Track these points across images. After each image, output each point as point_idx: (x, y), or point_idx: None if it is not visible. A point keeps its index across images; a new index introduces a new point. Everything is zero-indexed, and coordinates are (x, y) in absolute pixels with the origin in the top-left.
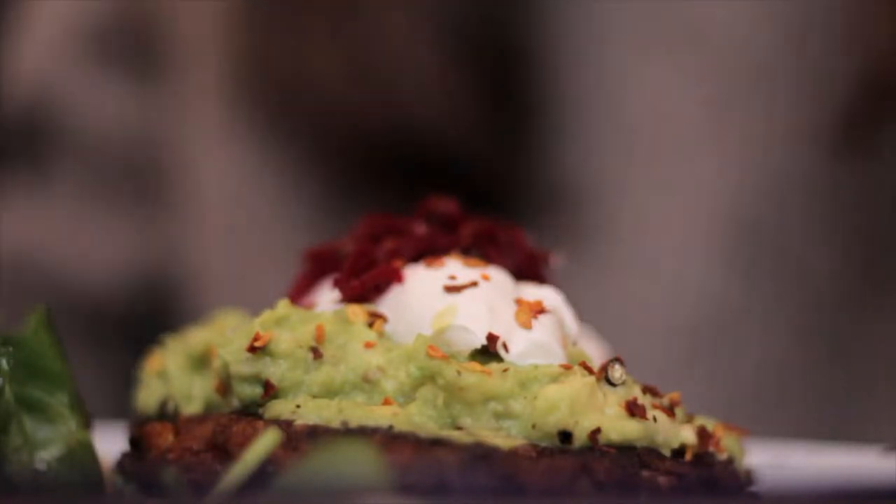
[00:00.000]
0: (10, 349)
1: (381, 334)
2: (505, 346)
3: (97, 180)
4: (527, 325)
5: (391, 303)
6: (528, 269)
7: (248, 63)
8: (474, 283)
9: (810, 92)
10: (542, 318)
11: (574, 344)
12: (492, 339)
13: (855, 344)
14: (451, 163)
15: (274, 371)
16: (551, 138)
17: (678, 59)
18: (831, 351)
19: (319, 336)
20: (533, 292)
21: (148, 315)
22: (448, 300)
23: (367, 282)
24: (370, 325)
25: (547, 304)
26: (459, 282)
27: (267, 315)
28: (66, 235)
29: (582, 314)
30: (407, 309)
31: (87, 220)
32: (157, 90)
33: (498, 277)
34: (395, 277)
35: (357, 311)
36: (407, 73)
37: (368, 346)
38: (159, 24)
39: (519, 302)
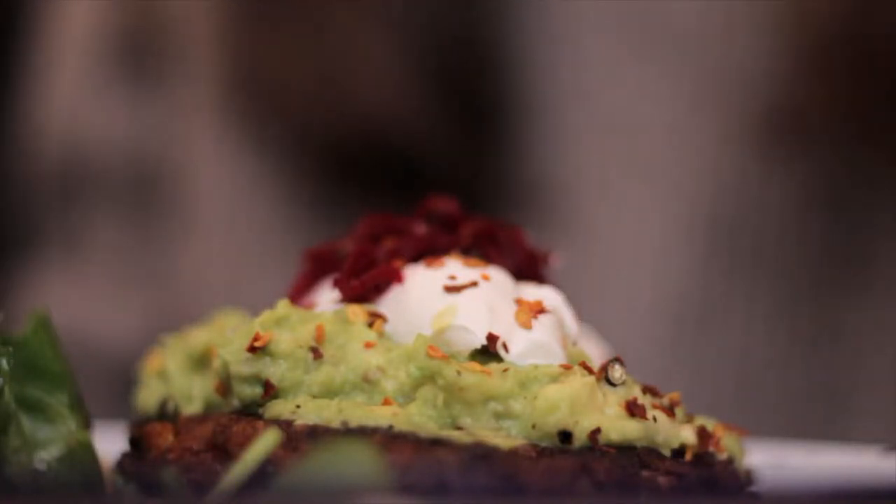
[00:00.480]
0: (10, 349)
1: (381, 334)
2: (505, 346)
3: (101, 197)
4: (527, 325)
5: (391, 303)
6: (528, 269)
7: (237, 74)
8: (474, 283)
9: (783, 89)
10: (542, 317)
11: (574, 344)
12: (492, 339)
13: (834, 335)
14: (428, 165)
15: (274, 371)
16: (526, 137)
17: (653, 57)
18: (811, 343)
19: (319, 336)
20: (533, 292)
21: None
22: (448, 300)
23: (366, 282)
24: (370, 325)
25: (547, 304)
26: (459, 282)
27: (267, 315)
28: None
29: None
30: (407, 309)
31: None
32: (152, 103)
33: (498, 277)
34: (395, 277)
35: (357, 311)
36: (380, 80)
37: (368, 346)
38: (152, 39)
39: (519, 302)
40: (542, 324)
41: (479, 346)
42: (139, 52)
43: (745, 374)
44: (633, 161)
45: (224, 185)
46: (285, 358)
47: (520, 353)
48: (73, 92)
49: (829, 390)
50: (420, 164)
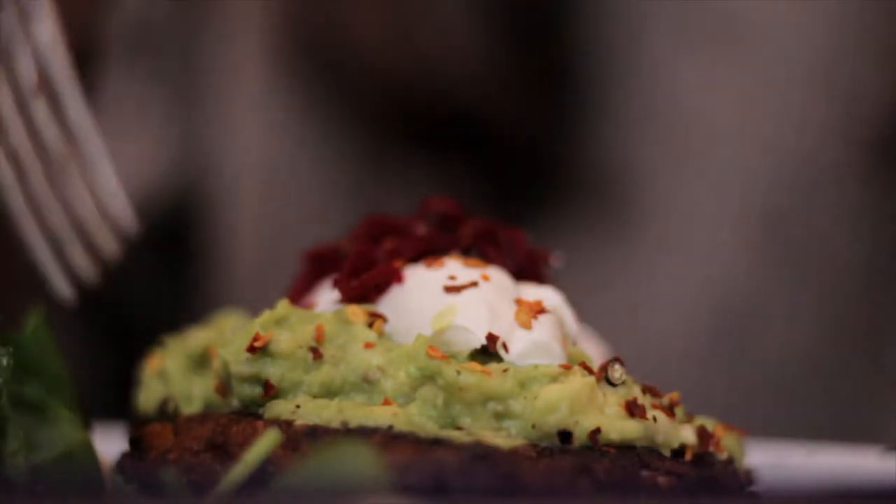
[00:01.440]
0: (10, 349)
1: (381, 334)
2: (505, 346)
3: None
4: (527, 325)
5: (391, 303)
6: (527, 269)
7: (289, 27)
8: (474, 284)
9: (845, 84)
10: (542, 317)
11: (574, 344)
12: (492, 339)
13: (884, 339)
14: (493, 133)
15: (273, 371)
16: (591, 119)
17: (717, 50)
18: (859, 347)
19: (319, 336)
20: (533, 292)
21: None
22: (448, 300)
23: (366, 282)
24: (370, 325)
25: (547, 303)
26: (459, 282)
27: (266, 315)
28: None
29: (609, 295)
30: (407, 309)
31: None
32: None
33: (498, 277)
34: (395, 277)
35: (357, 312)
36: (450, 39)
37: (368, 346)
38: None
39: (519, 302)
40: (542, 323)
41: (478, 346)
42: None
43: (787, 374)
44: (691, 152)
45: (267, 147)
46: (285, 358)
47: (520, 352)
48: None
49: (873, 394)
50: (480, 134)
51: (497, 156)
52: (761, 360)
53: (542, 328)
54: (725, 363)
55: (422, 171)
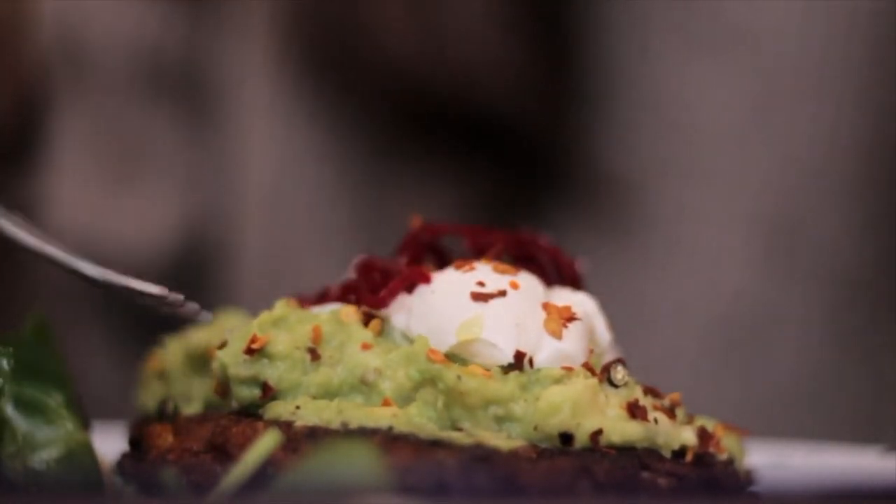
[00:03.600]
0: (10, 350)
1: (379, 334)
2: (531, 362)
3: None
4: (557, 335)
5: (416, 302)
6: (560, 275)
7: (301, 19)
8: (503, 293)
9: (854, 93)
10: (571, 326)
11: (601, 355)
12: (519, 356)
13: (890, 348)
14: (506, 137)
15: (272, 373)
16: (602, 124)
17: (728, 58)
18: (866, 354)
19: (316, 337)
20: (565, 297)
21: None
22: (475, 309)
23: (394, 291)
24: (365, 324)
25: (578, 310)
26: (487, 289)
27: (264, 316)
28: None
29: (617, 304)
30: (432, 310)
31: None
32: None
33: (527, 284)
34: (422, 279)
35: (350, 312)
36: (469, 36)
37: (365, 347)
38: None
39: (548, 308)
40: (572, 332)
41: (506, 363)
42: None
43: (797, 382)
44: (700, 160)
45: (276, 142)
46: (283, 360)
47: (545, 362)
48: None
49: (881, 402)
50: (493, 132)
51: (509, 159)
52: (769, 368)
53: (571, 337)
54: (733, 371)
55: (437, 181)
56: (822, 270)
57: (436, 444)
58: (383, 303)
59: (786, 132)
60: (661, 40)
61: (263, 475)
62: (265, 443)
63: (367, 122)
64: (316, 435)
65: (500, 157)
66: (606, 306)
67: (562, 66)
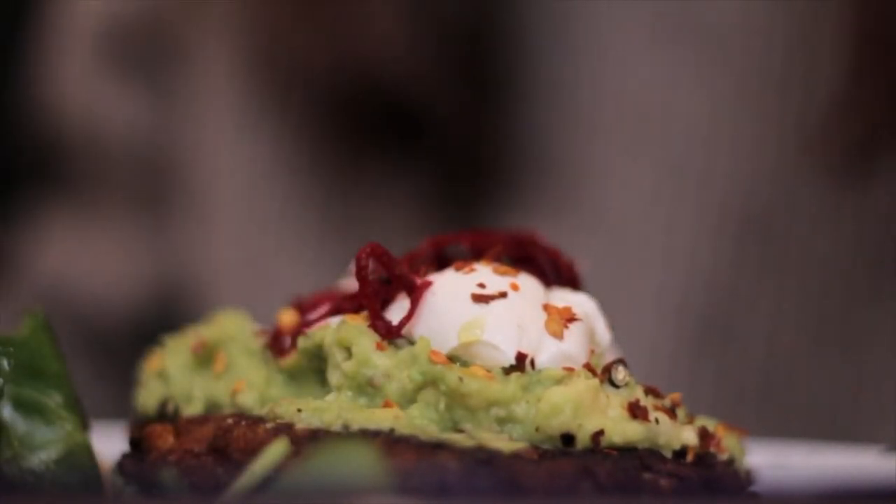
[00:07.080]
0: (10, 350)
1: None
2: (532, 364)
3: (108, 188)
4: (558, 335)
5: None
6: (559, 276)
7: (253, 53)
8: (503, 294)
9: (821, 86)
10: (572, 326)
11: (601, 355)
12: (521, 357)
13: (862, 339)
14: (437, 132)
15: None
16: (542, 116)
17: (683, 50)
18: (840, 344)
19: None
20: (565, 298)
21: (158, 319)
22: (476, 311)
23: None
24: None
25: (578, 311)
26: (488, 291)
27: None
28: (77, 245)
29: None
30: (432, 313)
31: (98, 227)
32: (166, 90)
33: (527, 285)
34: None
35: (357, 319)
36: (390, 52)
37: (380, 348)
38: (163, 25)
39: (549, 309)
40: (573, 333)
41: (507, 364)
42: (150, 43)
43: (770, 374)
44: (651, 152)
45: (240, 166)
46: None
47: (546, 363)
48: (81, 71)
49: (855, 394)
50: (431, 130)
51: (449, 151)
52: (741, 359)
53: (572, 338)
54: (706, 367)
55: (392, 180)
56: (792, 263)
57: (437, 445)
58: (397, 332)
59: (753, 126)
60: (615, 32)
61: (265, 477)
62: (273, 452)
63: (323, 136)
64: (317, 437)
65: (442, 151)
66: None
67: (489, 60)
